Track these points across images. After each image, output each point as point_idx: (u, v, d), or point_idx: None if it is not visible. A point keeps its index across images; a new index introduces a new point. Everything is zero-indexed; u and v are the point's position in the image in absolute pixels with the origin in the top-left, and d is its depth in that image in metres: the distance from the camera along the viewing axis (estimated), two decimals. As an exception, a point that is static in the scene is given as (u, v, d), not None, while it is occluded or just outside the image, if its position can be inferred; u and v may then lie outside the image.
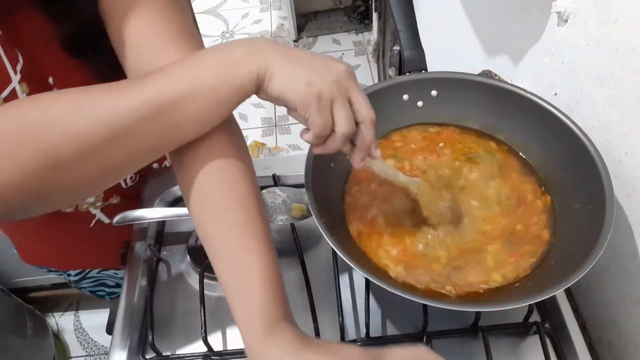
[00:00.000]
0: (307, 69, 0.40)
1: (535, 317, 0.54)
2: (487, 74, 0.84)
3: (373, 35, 2.31)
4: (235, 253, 0.41)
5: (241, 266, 0.41)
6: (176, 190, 0.67)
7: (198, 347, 0.52)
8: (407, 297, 0.45)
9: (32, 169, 0.37)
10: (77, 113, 0.38)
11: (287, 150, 1.98)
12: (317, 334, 0.52)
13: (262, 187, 0.68)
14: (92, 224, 0.69)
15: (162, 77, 0.40)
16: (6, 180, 0.37)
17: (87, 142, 0.38)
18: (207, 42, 2.30)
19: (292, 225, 0.61)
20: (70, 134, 0.37)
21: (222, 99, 0.41)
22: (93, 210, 0.68)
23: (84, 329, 1.65)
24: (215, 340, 0.54)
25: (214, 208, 0.43)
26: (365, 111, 0.43)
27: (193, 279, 0.59)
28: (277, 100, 0.41)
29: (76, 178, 0.40)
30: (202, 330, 0.51)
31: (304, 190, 0.53)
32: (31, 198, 0.39)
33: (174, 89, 0.39)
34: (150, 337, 0.52)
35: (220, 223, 0.42)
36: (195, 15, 2.02)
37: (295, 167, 0.67)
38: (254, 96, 0.43)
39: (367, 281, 0.54)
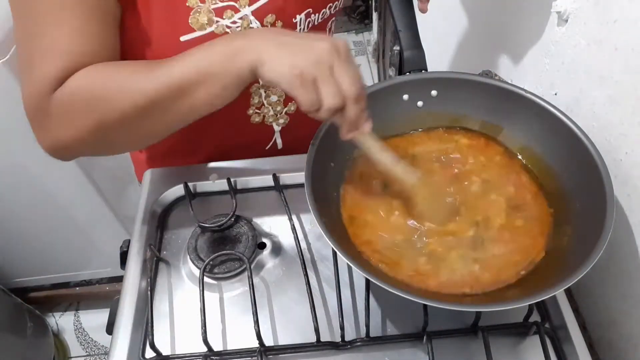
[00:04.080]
0: (292, 52, 0.46)
1: (535, 317, 0.54)
2: (487, 74, 0.84)
3: (373, 35, 2.31)
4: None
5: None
6: (176, 190, 0.67)
7: (198, 347, 0.52)
8: (407, 297, 0.45)
9: (87, 129, 0.52)
10: (119, 92, 0.50)
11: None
12: (317, 333, 0.52)
13: (263, 189, 0.68)
14: (268, 146, 0.76)
15: (180, 64, 0.49)
16: (65, 134, 0.53)
17: (124, 115, 0.51)
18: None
19: (292, 225, 0.61)
20: (114, 108, 0.51)
21: (226, 85, 0.49)
22: (275, 127, 0.74)
23: (84, 329, 1.65)
24: (215, 340, 0.54)
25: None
26: (347, 86, 0.46)
27: (193, 279, 0.59)
28: (271, 84, 0.48)
29: (118, 139, 0.56)
30: (202, 331, 0.51)
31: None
32: (88, 148, 0.57)
33: (191, 74, 0.49)
34: (150, 337, 0.52)
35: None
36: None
37: (295, 167, 0.67)
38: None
39: (367, 281, 0.54)
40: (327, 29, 0.72)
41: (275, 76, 0.46)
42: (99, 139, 0.54)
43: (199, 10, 0.56)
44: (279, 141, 0.76)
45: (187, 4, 0.56)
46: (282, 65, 0.46)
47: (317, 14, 0.65)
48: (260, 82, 0.67)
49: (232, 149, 0.72)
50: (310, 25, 0.66)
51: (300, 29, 0.64)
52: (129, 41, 0.58)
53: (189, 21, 0.56)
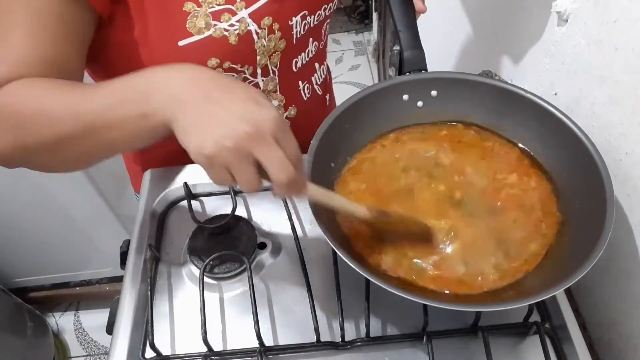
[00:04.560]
0: (206, 131, 0.41)
1: (535, 317, 0.54)
2: (487, 74, 0.84)
3: (373, 35, 2.31)
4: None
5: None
6: (176, 190, 0.67)
7: (198, 347, 0.52)
8: (407, 297, 0.45)
9: (6, 145, 0.48)
10: (38, 117, 0.47)
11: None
12: (317, 333, 0.52)
13: (263, 188, 0.68)
14: None
15: (97, 100, 0.45)
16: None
17: (42, 140, 0.47)
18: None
19: (292, 225, 0.61)
20: (31, 131, 0.47)
21: (143, 133, 0.45)
22: None
23: (84, 329, 1.65)
24: (215, 340, 0.54)
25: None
26: (273, 175, 0.42)
27: (193, 279, 0.59)
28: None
29: (40, 161, 0.51)
30: (202, 331, 0.51)
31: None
32: (13, 164, 0.51)
33: (103, 117, 0.45)
34: (150, 337, 0.52)
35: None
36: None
37: (295, 167, 0.67)
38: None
39: (367, 281, 0.54)
40: (323, 31, 0.72)
41: (185, 146, 0.42)
42: (21, 158, 0.50)
43: (196, 14, 0.56)
44: None
45: (183, 9, 0.55)
46: (191, 142, 0.41)
47: (312, 16, 0.65)
48: (262, 87, 0.67)
49: None
50: (306, 28, 0.66)
51: (296, 31, 0.64)
52: (127, 49, 0.57)
53: (187, 26, 0.56)
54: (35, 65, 0.50)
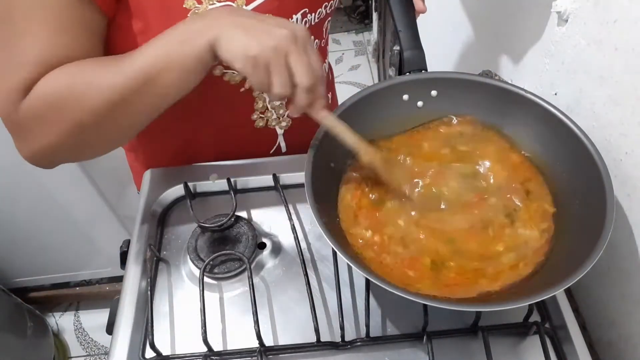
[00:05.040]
0: (250, 34, 0.47)
1: (535, 317, 0.54)
2: (487, 74, 0.84)
3: (373, 35, 2.31)
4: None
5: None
6: (176, 190, 0.67)
7: (198, 347, 0.52)
8: (407, 297, 0.45)
9: (61, 133, 0.51)
10: (88, 91, 0.50)
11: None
12: (317, 333, 0.52)
13: (263, 189, 0.68)
14: (272, 150, 0.76)
15: (142, 54, 0.49)
16: (41, 141, 0.52)
17: (96, 113, 0.50)
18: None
19: (292, 225, 0.61)
20: (84, 107, 0.50)
21: (189, 68, 0.49)
22: (278, 130, 0.74)
23: (84, 329, 1.65)
24: (215, 340, 0.54)
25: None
26: (299, 77, 0.47)
27: (193, 279, 0.59)
28: (227, 64, 0.48)
29: (95, 139, 0.54)
30: (202, 331, 0.51)
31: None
32: (67, 153, 0.56)
33: (153, 63, 0.49)
34: (150, 337, 0.52)
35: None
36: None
37: (295, 167, 0.67)
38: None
39: (367, 281, 0.54)
40: (324, 29, 0.72)
41: (230, 56, 0.47)
42: (76, 141, 0.53)
43: (196, 11, 0.56)
44: (283, 144, 0.76)
45: (183, 6, 0.55)
46: (237, 46, 0.46)
47: (313, 14, 0.65)
48: None
49: (235, 154, 0.72)
50: (307, 26, 0.66)
51: None
52: (130, 47, 0.57)
53: None
54: (57, 67, 0.51)
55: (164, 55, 0.49)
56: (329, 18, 0.71)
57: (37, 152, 0.54)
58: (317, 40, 0.71)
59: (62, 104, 0.50)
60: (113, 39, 0.58)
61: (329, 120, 0.54)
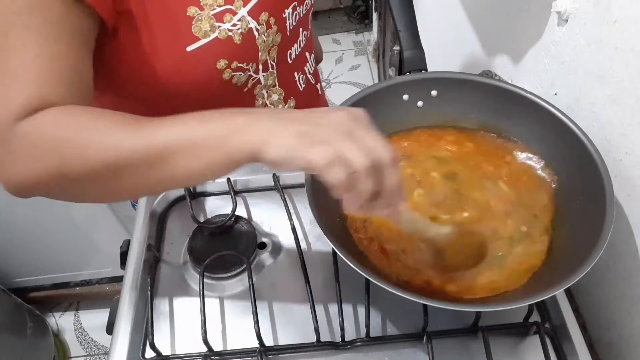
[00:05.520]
0: (301, 123, 0.39)
1: (535, 317, 0.54)
2: (487, 74, 0.84)
3: (373, 35, 2.31)
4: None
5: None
6: (176, 190, 0.67)
7: (198, 347, 0.52)
8: (407, 297, 0.45)
9: (49, 173, 0.45)
10: (92, 144, 0.44)
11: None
12: (317, 333, 0.52)
13: (263, 189, 0.68)
14: None
15: (169, 128, 0.43)
16: (26, 173, 0.46)
17: (92, 169, 0.44)
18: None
19: (292, 225, 0.61)
20: (82, 159, 0.44)
21: (215, 162, 0.42)
22: None
23: (84, 329, 1.65)
24: (215, 340, 0.54)
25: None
26: (375, 147, 0.38)
27: (193, 279, 0.59)
28: (278, 166, 0.40)
29: (81, 191, 0.48)
30: (202, 330, 0.51)
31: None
32: (48, 192, 0.48)
33: (176, 143, 0.42)
34: (150, 337, 0.52)
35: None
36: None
37: (295, 167, 0.67)
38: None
39: (367, 281, 0.54)
40: (309, 20, 0.73)
41: (283, 152, 0.38)
42: (61, 186, 0.48)
43: (200, 18, 0.56)
44: None
45: (187, 14, 0.55)
46: (289, 137, 0.38)
47: (301, 6, 0.67)
48: (263, 83, 0.67)
49: None
50: (297, 18, 0.67)
51: (289, 23, 0.65)
52: (137, 63, 0.57)
53: (192, 30, 0.56)
54: (57, 83, 0.47)
55: (195, 139, 0.42)
56: (312, 9, 0.73)
57: (16, 181, 0.48)
58: (305, 32, 0.72)
59: (60, 146, 0.45)
60: (117, 56, 0.57)
61: (407, 214, 0.45)
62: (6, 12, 0.46)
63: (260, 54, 0.63)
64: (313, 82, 0.80)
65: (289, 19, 0.65)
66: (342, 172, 0.37)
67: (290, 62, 0.70)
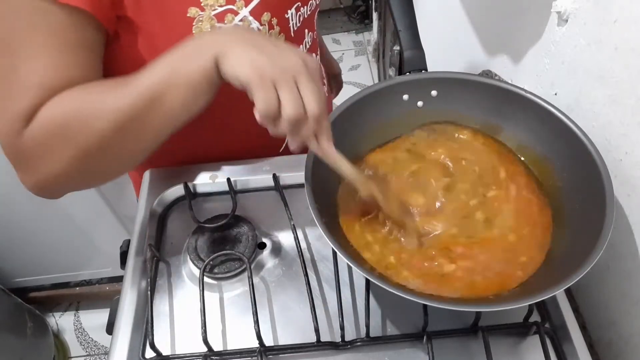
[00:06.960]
0: (260, 53, 0.45)
1: (535, 317, 0.54)
2: (487, 74, 0.84)
3: (373, 35, 2.31)
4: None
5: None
6: (176, 190, 0.67)
7: (198, 347, 0.52)
8: (407, 297, 0.45)
9: (67, 160, 0.49)
10: (94, 115, 0.48)
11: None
12: (317, 333, 0.52)
13: (263, 189, 0.68)
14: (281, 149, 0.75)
15: (148, 72, 0.48)
16: (46, 170, 0.50)
17: (104, 137, 0.48)
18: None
19: (292, 225, 0.61)
20: (91, 132, 0.48)
21: (194, 84, 0.47)
22: None
23: (84, 329, 1.65)
24: (215, 340, 0.54)
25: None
26: (309, 102, 0.45)
27: (193, 279, 0.59)
28: (231, 80, 0.46)
29: (102, 165, 0.53)
30: (202, 330, 0.51)
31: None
32: (73, 181, 0.53)
33: (159, 81, 0.47)
34: (150, 337, 0.52)
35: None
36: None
37: (295, 167, 0.67)
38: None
39: (367, 281, 0.54)
40: (315, 21, 0.73)
41: (234, 71, 0.45)
42: (82, 169, 0.51)
43: (200, 19, 0.55)
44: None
45: (187, 15, 0.55)
46: (244, 60, 0.44)
47: (305, 7, 0.66)
48: None
49: (243, 156, 0.71)
50: (301, 19, 0.66)
51: (293, 24, 0.65)
52: (139, 62, 0.56)
53: (193, 31, 0.56)
54: (62, 90, 0.49)
55: (169, 72, 0.47)
56: (318, 9, 0.73)
57: (42, 182, 0.52)
58: (310, 33, 0.71)
59: (67, 130, 0.48)
60: (119, 61, 0.57)
61: (332, 156, 0.51)
62: (10, 26, 0.48)
63: None
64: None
65: (292, 20, 0.64)
66: (271, 116, 0.45)
67: None
